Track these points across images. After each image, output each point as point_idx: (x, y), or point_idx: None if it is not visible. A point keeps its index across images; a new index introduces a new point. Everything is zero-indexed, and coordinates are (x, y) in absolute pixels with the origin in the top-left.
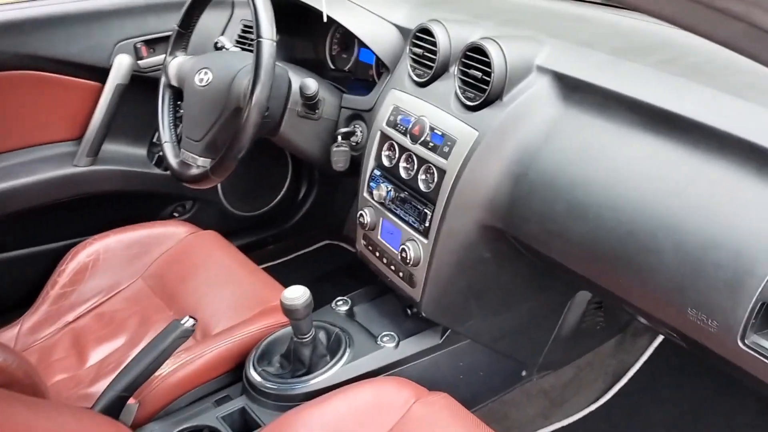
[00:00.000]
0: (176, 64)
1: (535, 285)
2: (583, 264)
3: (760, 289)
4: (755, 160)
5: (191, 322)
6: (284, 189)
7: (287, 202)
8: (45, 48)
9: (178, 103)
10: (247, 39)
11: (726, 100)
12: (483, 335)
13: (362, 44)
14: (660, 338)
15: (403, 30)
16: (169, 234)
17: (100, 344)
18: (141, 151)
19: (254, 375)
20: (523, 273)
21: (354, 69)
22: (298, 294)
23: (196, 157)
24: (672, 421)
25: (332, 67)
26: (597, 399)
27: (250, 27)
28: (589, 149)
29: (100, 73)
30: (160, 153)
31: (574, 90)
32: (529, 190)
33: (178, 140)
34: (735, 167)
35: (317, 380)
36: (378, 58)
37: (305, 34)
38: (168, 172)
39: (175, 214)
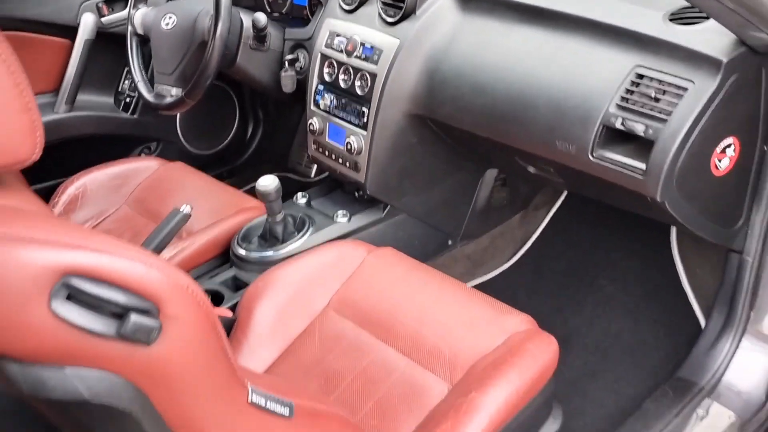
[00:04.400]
0: (140, 15)
1: (453, 165)
2: (486, 128)
3: (600, 118)
4: (598, 35)
5: (189, 207)
6: (234, 129)
7: (237, 140)
8: (20, 10)
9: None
10: None
11: None
12: (416, 209)
13: None
14: (555, 208)
15: None
16: (143, 167)
17: None
18: (109, 100)
19: (240, 250)
20: (442, 155)
21: (289, 11)
22: (269, 181)
23: (170, 87)
24: (568, 265)
25: (269, 11)
26: (509, 259)
27: None
28: (485, 43)
29: (69, 31)
30: (127, 99)
31: (468, 1)
32: (442, 80)
33: (147, 78)
34: (586, 41)
35: (289, 248)
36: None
37: None
38: (135, 116)
39: (143, 154)
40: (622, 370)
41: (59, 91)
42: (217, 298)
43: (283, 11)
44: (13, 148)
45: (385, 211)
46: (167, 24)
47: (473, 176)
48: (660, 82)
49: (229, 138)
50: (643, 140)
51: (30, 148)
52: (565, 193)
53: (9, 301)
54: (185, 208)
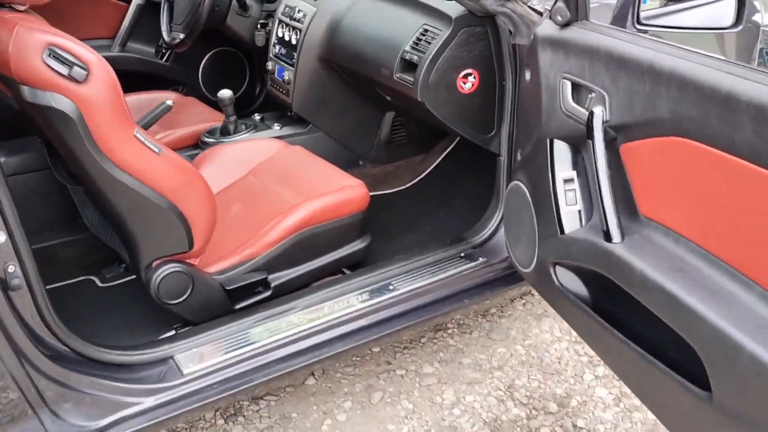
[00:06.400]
0: None
1: (358, 104)
2: (358, 65)
3: (400, 53)
4: (412, 7)
5: (171, 102)
6: (244, 85)
7: (247, 94)
8: None
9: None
10: None
11: None
12: (332, 131)
13: None
14: (445, 153)
15: None
16: (165, 97)
17: None
18: (151, 50)
19: (204, 138)
20: (349, 93)
21: None
22: (225, 90)
23: (179, 33)
24: (440, 190)
25: None
26: (405, 184)
27: None
28: (363, 11)
29: None
30: (164, 51)
31: None
32: (338, 34)
33: (170, 29)
34: (406, 10)
35: (234, 138)
36: None
37: None
38: (168, 63)
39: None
40: (438, 245)
41: (115, 38)
42: None
43: None
44: None
45: (308, 128)
46: None
47: (376, 115)
48: (432, 32)
49: (240, 92)
50: (416, 65)
51: None
52: (455, 142)
53: (27, 55)
54: (168, 102)
